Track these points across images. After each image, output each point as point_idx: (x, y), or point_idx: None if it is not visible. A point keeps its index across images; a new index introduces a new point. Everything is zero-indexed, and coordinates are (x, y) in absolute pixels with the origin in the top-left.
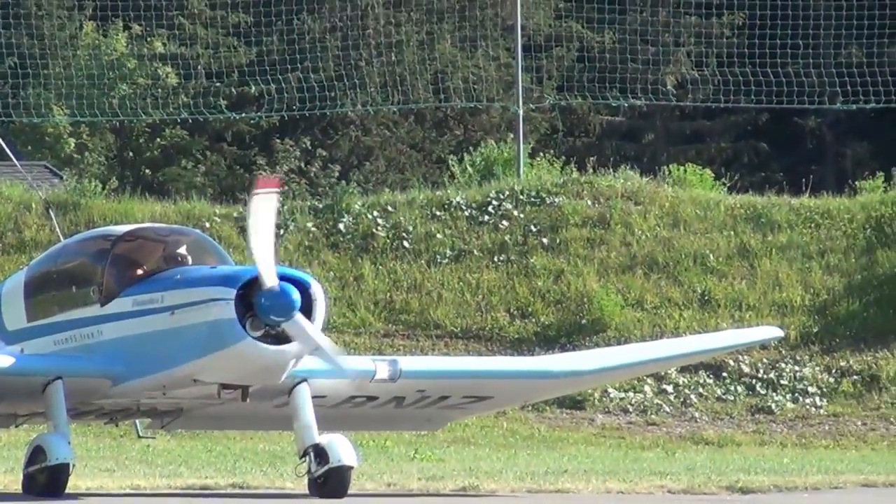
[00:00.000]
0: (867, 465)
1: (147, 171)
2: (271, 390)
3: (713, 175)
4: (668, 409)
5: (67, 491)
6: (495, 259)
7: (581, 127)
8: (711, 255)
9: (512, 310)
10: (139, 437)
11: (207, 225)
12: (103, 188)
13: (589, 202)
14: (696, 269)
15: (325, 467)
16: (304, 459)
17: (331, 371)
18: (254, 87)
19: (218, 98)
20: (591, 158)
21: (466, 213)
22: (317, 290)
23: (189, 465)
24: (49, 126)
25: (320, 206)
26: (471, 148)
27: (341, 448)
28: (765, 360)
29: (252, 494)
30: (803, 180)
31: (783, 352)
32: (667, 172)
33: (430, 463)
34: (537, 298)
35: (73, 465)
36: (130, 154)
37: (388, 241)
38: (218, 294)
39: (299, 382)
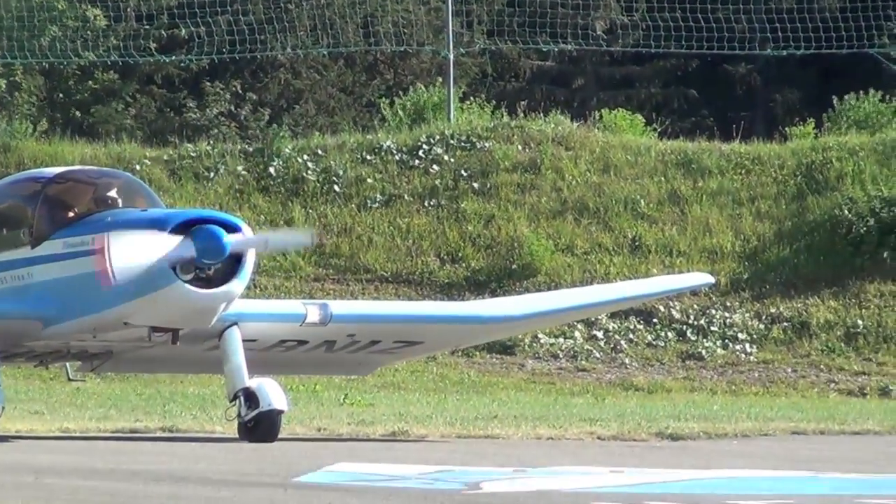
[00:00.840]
0: (797, 413)
1: (77, 113)
2: (202, 333)
3: (644, 120)
4: (598, 354)
5: None
6: (426, 203)
7: (511, 71)
8: (642, 201)
9: (442, 254)
10: (69, 379)
11: (138, 167)
12: (34, 130)
13: (519, 147)
14: (627, 214)
15: (255, 411)
16: (234, 403)
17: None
18: (183, 30)
19: (148, 41)
20: (522, 103)
21: (397, 158)
22: (247, 232)
23: (119, 408)
24: None
25: (250, 149)
26: (401, 92)
27: (272, 392)
28: (695, 306)
29: (182, 438)
30: (734, 126)
31: (713, 298)
32: (597, 118)
33: (360, 408)
34: (468, 243)
35: (3, 408)
36: (60, 96)
37: (319, 184)
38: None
39: (230, 326)
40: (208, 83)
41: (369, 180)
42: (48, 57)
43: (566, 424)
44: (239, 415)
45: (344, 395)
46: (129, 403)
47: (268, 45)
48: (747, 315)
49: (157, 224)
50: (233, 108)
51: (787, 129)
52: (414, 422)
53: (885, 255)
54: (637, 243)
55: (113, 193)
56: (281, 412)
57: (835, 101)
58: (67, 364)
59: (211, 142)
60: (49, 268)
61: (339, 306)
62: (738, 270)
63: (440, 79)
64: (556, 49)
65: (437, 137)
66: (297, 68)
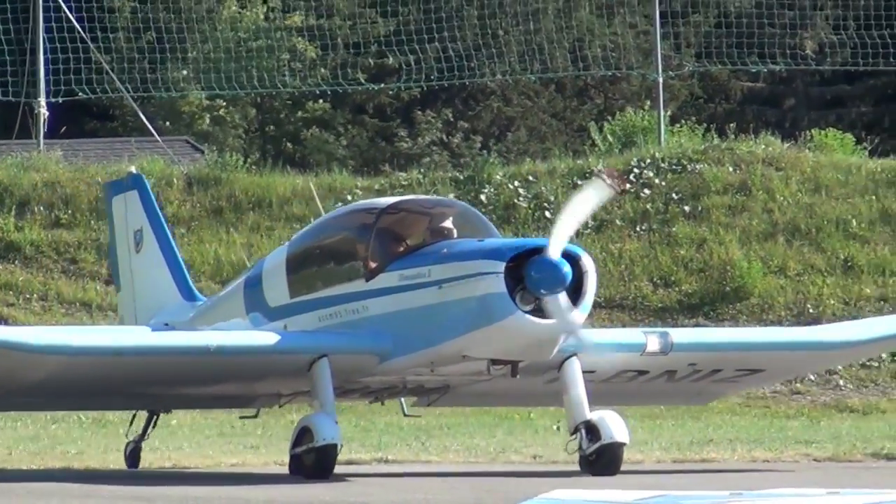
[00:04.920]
0: None
1: (288, 144)
2: (541, 366)
3: (854, 139)
4: (812, 377)
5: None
6: (637, 228)
7: (721, 93)
8: (854, 221)
9: (655, 279)
10: (405, 415)
11: (349, 197)
12: (245, 162)
13: (730, 168)
14: (839, 234)
15: (597, 444)
16: (574, 436)
17: (594, 348)
18: (392, 59)
19: (357, 70)
20: (732, 125)
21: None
22: (587, 262)
23: None
24: (185, 103)
25: (462, 177)
26: (611, 116)
27: (613, 424)
28: None
29: (396, 470)
30: None
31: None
32: (808, 137)
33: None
34: (679, 267)
35: (341, 446)
36: (271, 127)
37: (530, 211)
38: (487, 268)
39: (569, 357)
40: (419, 112)
41: None
42: (257, 88)
43: (781, 447)
44: (580, 448)
45: (558, 422)
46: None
47: (477, 72)
48: None
49: (494, 255)
50: (444, 136)
51: None
52: (629, 447)
53: None
54: (849, 264)
55: (447, 223)
56: (623, 445)
57: None
58: (402, 399)
59: (422, 170)
60: (384, 301)
61: (680, 334)
62: None
63: (649, 102)
64: (766, 69)
65: (648, 161)
66: (507, 95)
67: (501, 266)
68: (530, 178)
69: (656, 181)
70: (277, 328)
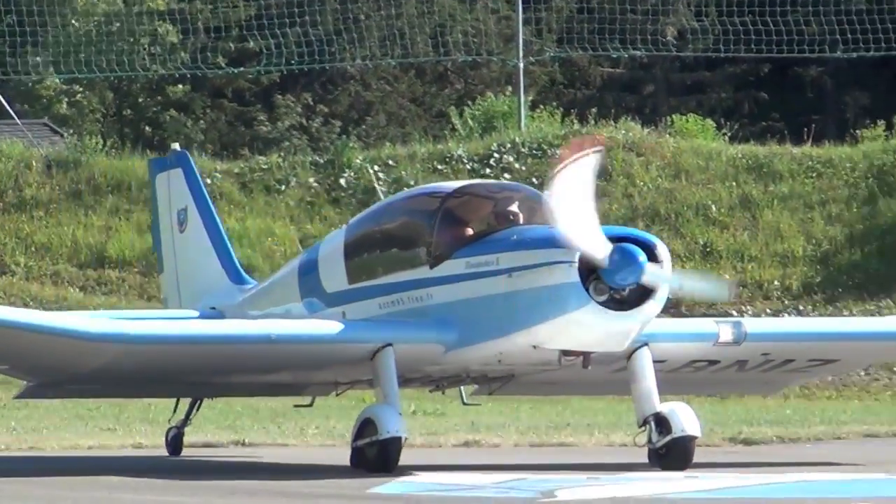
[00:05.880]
0: (870, 416)
1: (147, 128)
2: (612, 356)
3: (714, 125)
4: None
5: None
6: None
7: (581, 79)
8: (713, 206)
9: None
10: (464, 403)
11: (209, 181)
12: (104, 146)
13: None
14: (698, 220)
15: (668, 437)
16: (643, 428)
17: (710, 292)
18: (253, 43)
19: (217, 54)
20: (592, 110)
21: (468, 166)
22: (662, 250)
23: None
24: (43, 87)
25: (321, 161)
26: (471, 101)
27: (684, 417)
28: (767, 310)
29: (254, 452)
30: (805, 130)
31: (786, 302)
32: (668, 123)
33: (432, 418)
34: None
35: (406, 439)
36: (129, 112)
37: (390, 195)
38: (560, 256)
39: (640, 347)
40: (279, 96)
41: None
42: (116, 72)
43: (640, 432)
44: (649, 441)
45: (413, 406)
46: (201, 418)
47: (338, 57)
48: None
49: (567, 243)
50: (304, 120)
51: (858, 131)
52: (486, 431)
53: None
54: (709, 249)
55: (514, 208)
56: (694, 438)
57: None
58: (462, 388)
59: (282, 154)
60: (450, 289)
61: (754, 324)
62: (809, 274)
63: (510, 87)
64: (627, 56)
65: (508, 146)
66: (367, 79)
67: (575, 255)
68: (390, 162)
69: (517, 166)
70: (336, 314)
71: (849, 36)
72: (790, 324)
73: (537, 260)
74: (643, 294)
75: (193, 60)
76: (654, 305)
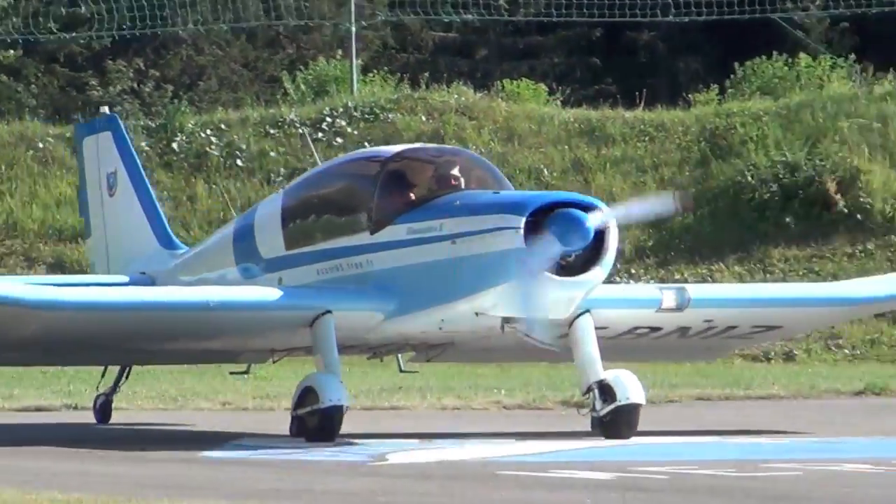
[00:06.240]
0: (702, 379)
1: None
2: (552, 322)
3: (547, 90)
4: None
5: None
6: None
7: (414, 43)
8: (546, 170)
9: None
10: (401, 370)
11: (41, 145)
12: None
13: (423, 118)
14: (531, 183)
15: (612, 405)
16: (587, 396)
17: (658, 207)
18: (84, 8)
19: (49, 19)
20: (425, 74)
21: (300, 131)
22: (608, 217)
23: (24, 385)
24: None
25: (153, 125)
26: (303, 66)
27: (629, 384)
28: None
29: (87, 415)
30: (637, 94)
31: (618, 266)
32: (500, 87)
33: (263, 382)
34: None
35: (347, 408)
36: None
37: (222, 159)
38: (506, 222)
39: (582, 313)
40: (111, 61)
41: (272, 154)
42: None
43: (472, 395)
44: (593, 408)
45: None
46: (34, 381)
47: (169, 22)
48: (652, 282)
49: (513, 209)
50: (136, 85)
51: (690, 95)
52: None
53: (789, 220)
54: None
55: (455, 172)
56: (639, 406)
57: (737, 67)
58: (399, 355)
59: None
60: (391, 255)
61: (697, 290)
62: (641, 238)
63: (342, 51)
64: (459, 20)
65: (341, 110)
66: (199, 44)
67: (521, 221)
68: (222, 126)
69: (349, 130)
70: (272, 280)
71: (681, 0)
72: (733, 290)
73: (482, 225)
74: (590, 260)
75: (25, 25)
76: (600, 271)
